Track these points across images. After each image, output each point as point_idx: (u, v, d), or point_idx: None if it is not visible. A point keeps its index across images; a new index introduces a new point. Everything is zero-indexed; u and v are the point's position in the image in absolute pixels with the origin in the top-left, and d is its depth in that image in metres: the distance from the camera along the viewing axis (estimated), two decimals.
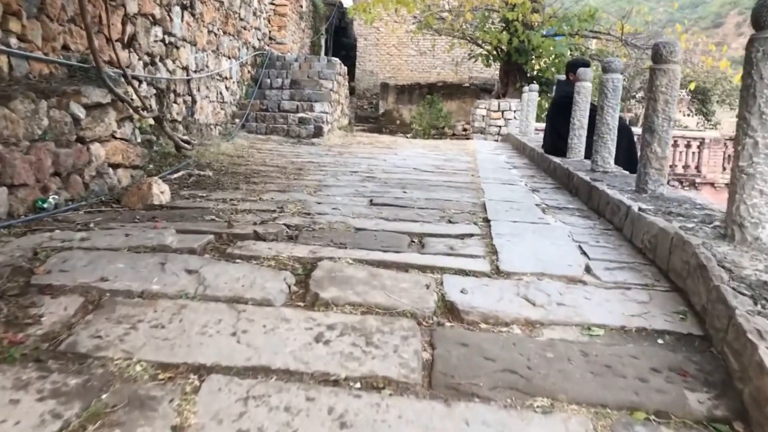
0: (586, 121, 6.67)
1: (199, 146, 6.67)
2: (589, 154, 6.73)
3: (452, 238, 3.23)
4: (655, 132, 3.93)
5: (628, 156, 7.05)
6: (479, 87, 21.72)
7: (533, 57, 18.38)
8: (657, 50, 3.88)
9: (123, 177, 4.31)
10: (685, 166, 17.94)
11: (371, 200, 4.28)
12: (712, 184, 18.29)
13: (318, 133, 10.01)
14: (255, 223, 3.25)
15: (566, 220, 3.88)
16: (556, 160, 6.39)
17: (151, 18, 6.48)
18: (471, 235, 3.30)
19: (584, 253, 3.07)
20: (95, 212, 3.50)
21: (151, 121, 6.57)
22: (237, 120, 10.13)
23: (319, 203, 4.04)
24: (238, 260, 2.59)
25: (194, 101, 7.86)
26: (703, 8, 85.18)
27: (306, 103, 10.86)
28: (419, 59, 24.69)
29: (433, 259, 2.75)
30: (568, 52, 17.78)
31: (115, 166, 4.25)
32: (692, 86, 17.54)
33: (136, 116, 4.92)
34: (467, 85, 21.96)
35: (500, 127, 15.39)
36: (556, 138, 7.15)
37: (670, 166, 17.06)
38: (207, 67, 8.63)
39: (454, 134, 20.85)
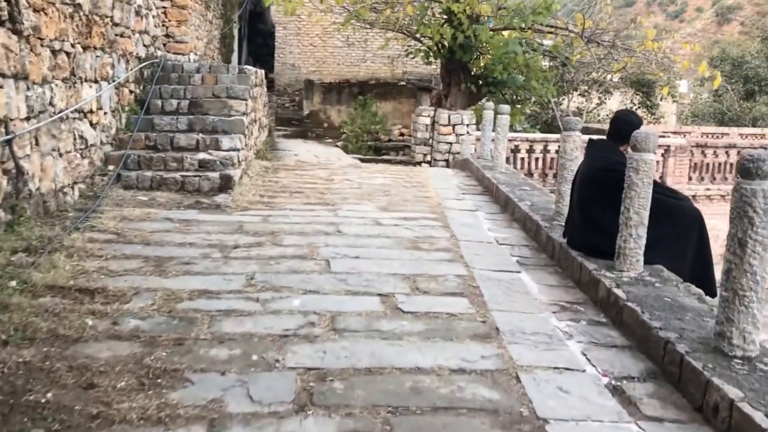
0: (647, 213, 4.24)
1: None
2: (647, 260, 4.35)
3: None
4: None
5: (699, 257, 4.68)
6: (417, 85, 19.17)
7: (479, 54, 16.02)
8: None
9: None
10: None
11: None
12: None
13: (226, 184, 7.21)
14: None
15: None
16: (619, 292, 3.88)
17: None
18: None
19: None
20: None
21: None
22: (111, 168, 7.23)
23: None
24: None
25: (20, 171, 4.97)
26: None
27: (210, 137, 8.02)
28: (347, 51, 21.91)
29: None
30: (521, 50, 15.45)
31: None
32: (665, 91, 15.57)
33: None
34: (403, 83, 19.38)
35: (451, 144, 12.94)
36: (592, 229, 4.68)
37: None
38: (51, 105, 5.73)
39: (390, 140, 18.31)
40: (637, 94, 26.92)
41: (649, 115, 27.62)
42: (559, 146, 15.58)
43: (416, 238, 5.72)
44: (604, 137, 4.96)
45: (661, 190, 4.51)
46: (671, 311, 3.57)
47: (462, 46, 14.94)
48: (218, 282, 4.23)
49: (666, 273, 4.31)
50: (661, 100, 26.43)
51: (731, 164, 16.39)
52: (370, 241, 5.51)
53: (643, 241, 4.25)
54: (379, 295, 4.12)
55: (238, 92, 9.05)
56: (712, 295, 4.41)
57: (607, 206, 4.47)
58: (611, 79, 25.14)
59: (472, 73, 15.97)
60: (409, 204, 7.39)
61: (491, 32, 15.20)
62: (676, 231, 4.55)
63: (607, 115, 28.31)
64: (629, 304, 3.67)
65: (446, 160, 12.73)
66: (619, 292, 3.87)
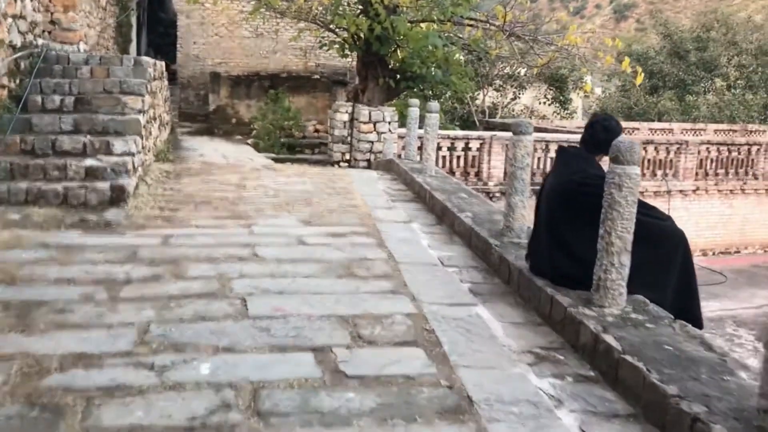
0: (631, 237, 3.56)
1: None
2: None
3: None
4: None
5: (683, 285, 4.05)
6: (332, 79, 18.27)
7: (397, 47, 15.28)
8: None
9: None
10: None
11: None
12: None
13: (119, 197, 6.11)
14: None
15: None
16: (610, 340, 3.14)
17: None
18: None
19: None
20: None
21: None
22: None
23: None
24: None
25: None
26: None
27: (100, 140, 6.86)
28: (256, 42, 20.68)
29: None
30: (441, 43, 14.82)
31: None
32: (588, 87, 15.32)
33: None
34: (317, 77, 18.42)
35: (372, 143, 12.13)
36: (560, 253, 3.97)
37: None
38: None
39: (304, 136, 17.31)
40: (551, 89, 26.97)
41: (562, 110, 27.80)
42: (480, 143, 15.28)
43: (349, 261, 4.86)
44: (577, 145, 4.25)
45: (639, 208, 3.83)
46: (680, 366, 2.88)
47: (379, 38, 14.15)
48: (101, 339, 3.23)
49: (652, 307, 3.65)
50: (572, 94, 26.59)
51: (649, 160, 16.41)
52: (295, 269, 4.61)
53: (627, 271, 3.57)
54: (313, 350, 3.24)
55: (134, 87, 7.91)
56: (699, 327, 3.80)
57: (582, 226, 3.77)
58: (525, 74, 25.05)
59: (390, 66, 15.24)
60: (335, 215, 6.52)
61: (409, 24, 14.51)
62: (658, 256, 3.90)
63: (522, 111, 28.33)
64: (628, 358, 2.96)
65: (368, 160, 11.91)
66: (610, 339, 3.16)
